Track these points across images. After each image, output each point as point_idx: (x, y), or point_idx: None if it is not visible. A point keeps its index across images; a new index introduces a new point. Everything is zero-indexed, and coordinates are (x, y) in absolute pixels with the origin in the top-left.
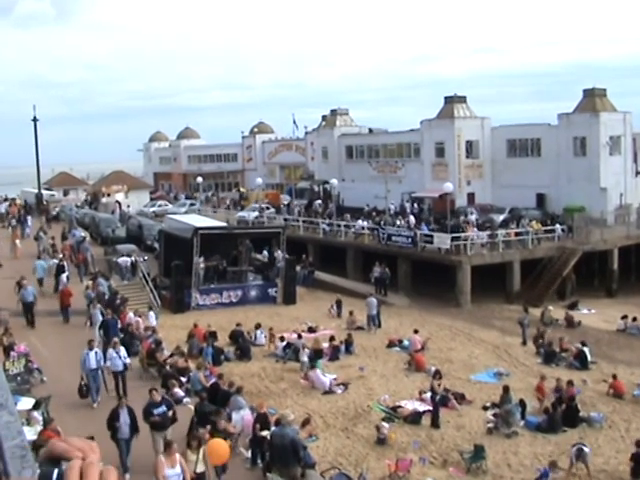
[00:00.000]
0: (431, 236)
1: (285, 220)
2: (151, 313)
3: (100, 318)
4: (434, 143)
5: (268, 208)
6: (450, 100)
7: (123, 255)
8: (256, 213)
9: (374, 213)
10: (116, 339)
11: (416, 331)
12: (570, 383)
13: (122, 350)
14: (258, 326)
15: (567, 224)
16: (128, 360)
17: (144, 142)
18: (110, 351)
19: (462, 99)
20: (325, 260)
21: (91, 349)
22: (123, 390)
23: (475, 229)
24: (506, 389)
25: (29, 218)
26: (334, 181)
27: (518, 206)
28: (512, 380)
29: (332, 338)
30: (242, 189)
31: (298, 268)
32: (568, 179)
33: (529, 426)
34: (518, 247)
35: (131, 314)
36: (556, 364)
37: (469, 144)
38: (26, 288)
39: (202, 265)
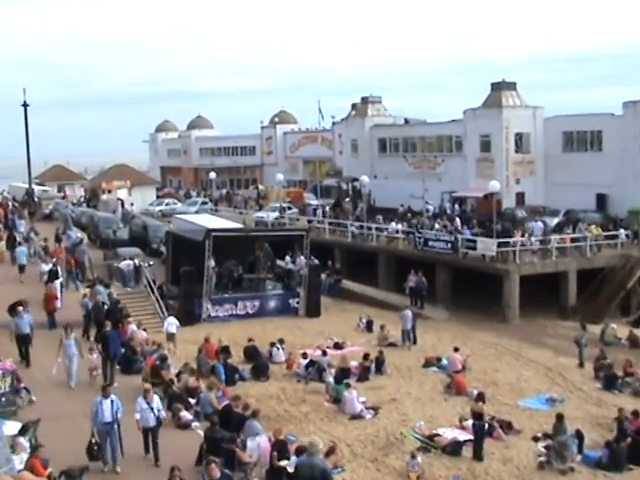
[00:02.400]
0: (474, 241)
1: (309, 222)
2: (171, 320)
3: (75, 352)
4: (479, 136)
5: (290, 208)
6: (497, 87)
7: (125, 259)
8: (276, 214)
9: (409, 215)
10: (147, 385)
11: (456, 349)
12: (635, 413)
13: (156, 399)
14: (279, 341)
15: (632, 229)
16: (163, 413)
17: (150, 132)
18: (140, 401)
19: (511, 85)
20: (354, 267)
21: (106, 396)
22: (154, 452)
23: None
24: (560, 418)
25: (22, 222)
26: (365, 178)
27: (575, 208)
28: (567, 407)
29: (365, 356)
30: (260, 186)
31: (323, 276)
32: (634, 177)
33: (587, 461)
34: (574, 255)
35: (134, 326)
36: (619, 390)
37: (519, 137)
38: (22, 316)
39: (215, 271)
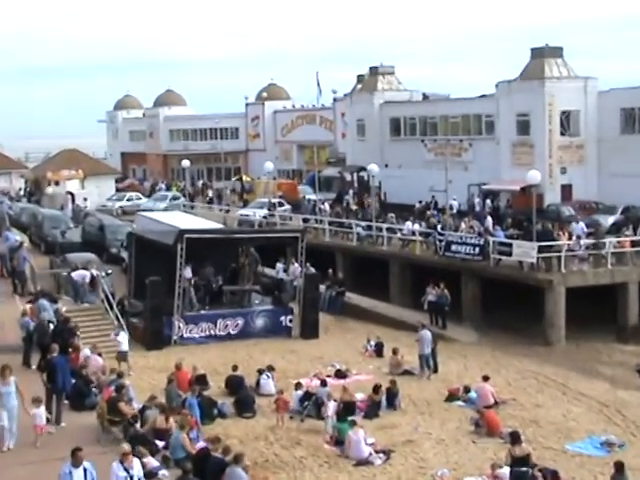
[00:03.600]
0: (509, 245)
1: (305, 221)
2: (121, 336)
3: (15, 403)
4: (515, 115)
5: (281, 204)
6: (539, 53)
7: (77, 268)
8: (264, 211)
9: (429, 212)
10: (126, 448)
11: (487, 378)
12: None
13: (136, 465)
14: (268, 369)
15: None
16: None
17: (108, 110)
18: (115, 467)
19: (556, 52)
20: (360, 277)
21: (76, 465)
22: None
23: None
24: (619, 467)
25: None
26: (374, 167)
27: (635, 204)
28: (628, 454)
29: (375, 387)
30: (245, 177)
31: (322, 288)
32: None
33: None
34: (635, 262)
35: (87, 350)
36: None
37: (565, 116)
38: None
39: (189, 283)
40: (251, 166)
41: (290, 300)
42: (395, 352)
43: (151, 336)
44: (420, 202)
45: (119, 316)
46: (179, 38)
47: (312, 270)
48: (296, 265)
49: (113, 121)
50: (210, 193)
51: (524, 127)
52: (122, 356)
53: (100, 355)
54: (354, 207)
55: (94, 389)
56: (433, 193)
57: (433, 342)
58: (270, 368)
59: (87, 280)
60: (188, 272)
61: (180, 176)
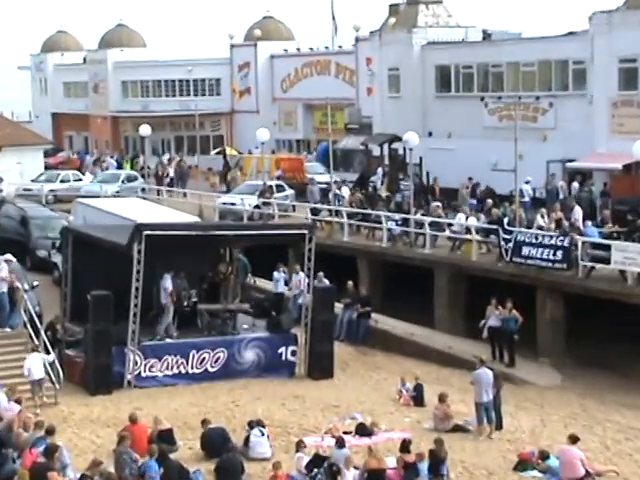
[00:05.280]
0: (606, 247)
1: (314, 213)
2: (31, 358)
3: None
4: (617, 60)
5: (281, 188)
6: None
7: None
8: (256, 198)
9: (490, 200)
10: None
11: (574, 439)
12: None
13: None
14: (258, 422)
15: None
16: None
17: (32, 52)
18: None
19: None
20: (392, 292)
21: None
22: None
23: None
24: None
25: None
26: (412, 137)
27: None
28: None
29: (405, 445)
30: (230, 151)
31: (339, 307)
32: None
33: None
34: None
35: (1, 396)
36: None
37: None
38: None
39: (170, 297)
40: (238, 134)
41: (293, 324)
42: (442, 399)
43: (95, 375)
44: (477, 186)
45: (48, 345)
46: None
47: (325, 282)
48: (301, 275)
49: (40, 68)
50: (170, 171)
51: (630, 78)
52: (37, 386)
53: (19, 402)
54: (384, 193)
55: (11, 452)
56: (496, 173)
57: (496, 385)
58: (261, 423)
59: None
60: (167, 282)
61: (137, 148)
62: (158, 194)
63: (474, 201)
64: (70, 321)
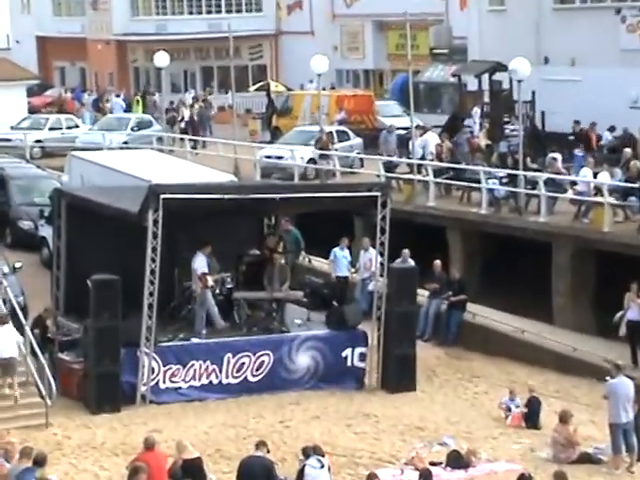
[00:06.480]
0: None
1: (389, 169)
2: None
3: None
4: None
5: (344, 136)
6: None
7: None
8: (311, 150)
9: (628, 150)
10: None
11: None
12: None
13: None
14: (315, 449)
15: None
16: None
17: None
18: None
19: None
20: (494, 275)
21: None
22: None
23: None
24: None
25: None
26: (521, 64)
27: None
28: None
29: None
30: (276, 86)
31: (423, 296)
32: None
33: None
34: None
35: None
36: None
37: None
38: None
39: (203, 282)
40: (286, 64)
41: (361, 318)
42: (564, 419)
43: (98, 386)
44: (611, 131)
45: (35, 346)
46: None
47: (408, 261)
48: (372, 252)
49: None
50: (185, 114)
51: None
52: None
53: None
54: (483, 142)
55: None
56: (638, 112)
57: (638, 401)
58: (318, 450)
59: None
60: (201, 262)
61: (151, 84)
62: (181, 144)
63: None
64: (64, 315)
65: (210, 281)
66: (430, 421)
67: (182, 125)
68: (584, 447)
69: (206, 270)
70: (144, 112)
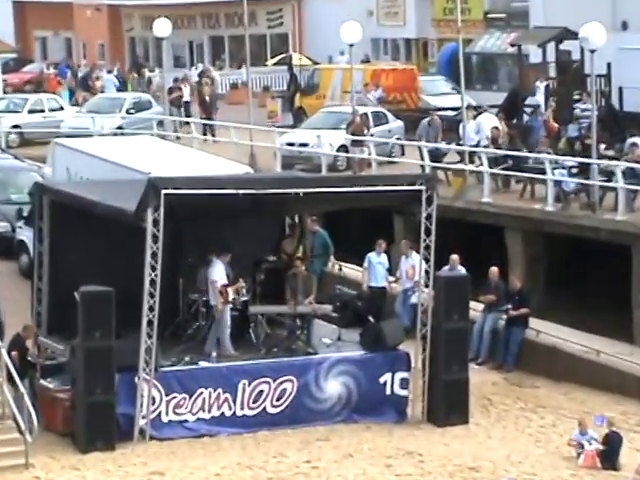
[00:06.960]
0: None
1: (435, 158)
2: None
3: None
4: None
5: (382, 118)
6: None
7: None
8: (343, 136)
9: None
10: None
11: None
12: None
13: None
14: None
15: None
16: None
17: None
18: None
19: None
20: (561, 284)
21: None
22: None
23: None
24: None
25: None
26: (594, 31)
27: None
28: None
29: None
30: (299, 58)
31: (477, 309)
32: None
33: None
34: None
35: None
36: None
37: None
38: None
39: (223, 292)
40: (311, 33)
41: (402, 337)
42: None
43: (88, 419)
44: None
45: (14, 373)
46: None
47: (459, 269)
48: (415, 258)
49: None
50: (185, 93)
51: None
52: None
53: None
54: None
55: None
56: None
57: None
58: None
59: None
60: (220, 272)
61: (150, 57)
62: (185, 128)
63: None
64: (48, 334)
65: (231, 294)
66: (486, 460)
67: (181, 104)
68: None
69: (226, 282)
70: (133, 90)
